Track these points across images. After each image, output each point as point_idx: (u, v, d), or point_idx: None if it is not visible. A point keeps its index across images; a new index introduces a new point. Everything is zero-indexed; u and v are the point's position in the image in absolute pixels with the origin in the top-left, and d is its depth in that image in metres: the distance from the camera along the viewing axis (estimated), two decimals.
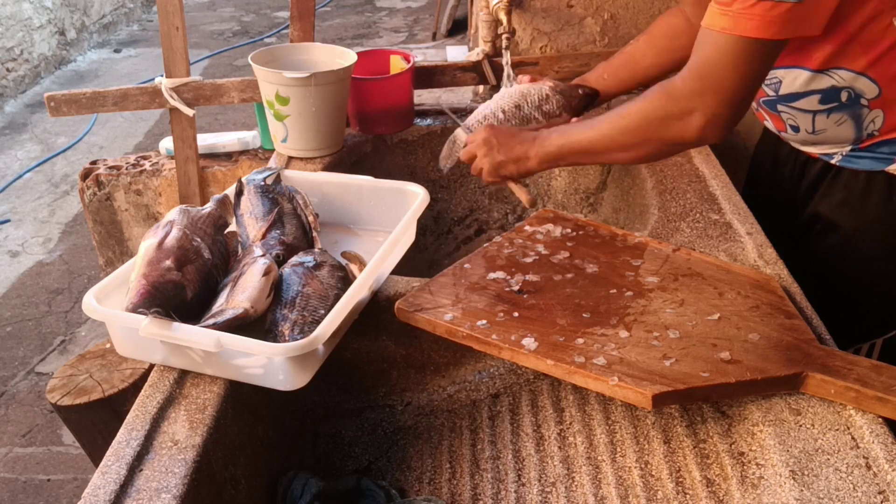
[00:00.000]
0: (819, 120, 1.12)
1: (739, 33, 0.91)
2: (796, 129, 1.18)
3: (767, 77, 1.13)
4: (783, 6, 0.89)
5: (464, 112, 1.70)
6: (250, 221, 1.17)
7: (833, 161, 1.17)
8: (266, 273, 1.00)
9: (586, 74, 1.39)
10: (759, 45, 0.92)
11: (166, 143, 1.90)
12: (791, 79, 1.10)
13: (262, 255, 1.04)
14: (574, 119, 1.31)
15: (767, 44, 0.92)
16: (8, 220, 3.52)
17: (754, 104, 1.24)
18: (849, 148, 1.14)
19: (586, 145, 1.10)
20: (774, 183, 1.34)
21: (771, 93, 1.16)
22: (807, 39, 0.97)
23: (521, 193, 1.25)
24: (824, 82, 1.07)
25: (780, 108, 1.17)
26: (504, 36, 1.57)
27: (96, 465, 0.85)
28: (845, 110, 1.09)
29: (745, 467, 0.86)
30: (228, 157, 1.92)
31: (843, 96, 1.07)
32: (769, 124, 1.26)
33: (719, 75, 0.95)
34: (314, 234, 1.18)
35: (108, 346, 1.86)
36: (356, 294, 1.00)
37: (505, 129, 1.23)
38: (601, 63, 1.40)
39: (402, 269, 1.18)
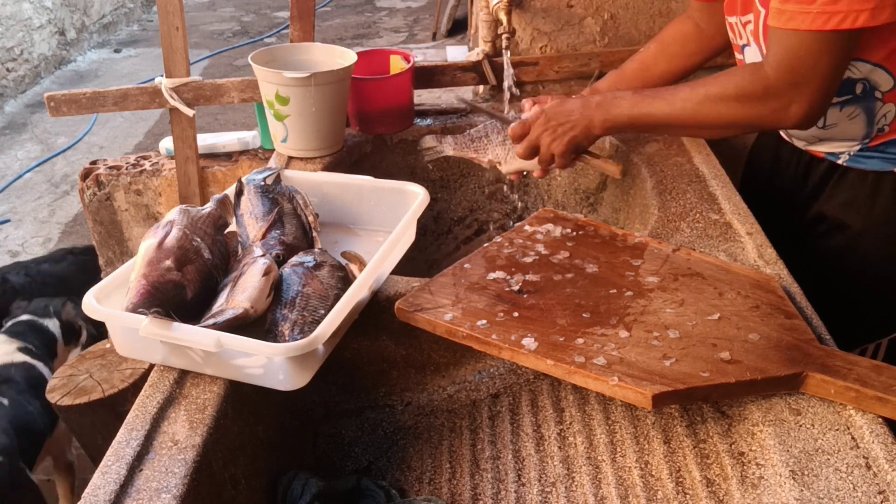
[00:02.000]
0: (831, 114, 1.12)
1: (827, 28, 0.93)
2: None
3: None
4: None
5: (464, 112, 1.70)
6: (250, 221, 1.17)
7: (840, 161, 1.17)
8: (266, 273, 1.00)
9: (598, 84, 1.38)
10: (845, 35, 0.94)
11: (166, 143, 1.90)
12: None
13: (262, 255, 1.04)
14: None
15: (852, 33, 0.94)
16: (8, 220, 3.52)
17: None
18: (857, 147, 1.14)
19: (663, 118, 1.11)
20: (774, 183, 1.34)
21: None
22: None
23: (607, 166, 1.22)
24: None
25: None
26: (504, 36, 1.57)
27: (96, 465, 0.85)
28: (859, 103, 1.09)
29: (745, 467, 0.86)
30: (228, 157, 1.92)
31: (858, 88, 1.07)
32: None
33: (811, 69, 0.98)
34: (314, 234, 1.18)
35: (108, 346, 1.86)
36: (356, 294, 1.00)
37: (559, 103, 1.19)
38: (612, 72, 1.39)
39: (402, 269, 1.18)
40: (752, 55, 1.16)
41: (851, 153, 1.15)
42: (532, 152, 1.21)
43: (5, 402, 1.81)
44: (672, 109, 1.09)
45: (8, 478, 1.68)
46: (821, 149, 1.20)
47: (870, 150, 1.13)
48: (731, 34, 1.22)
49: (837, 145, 1.16)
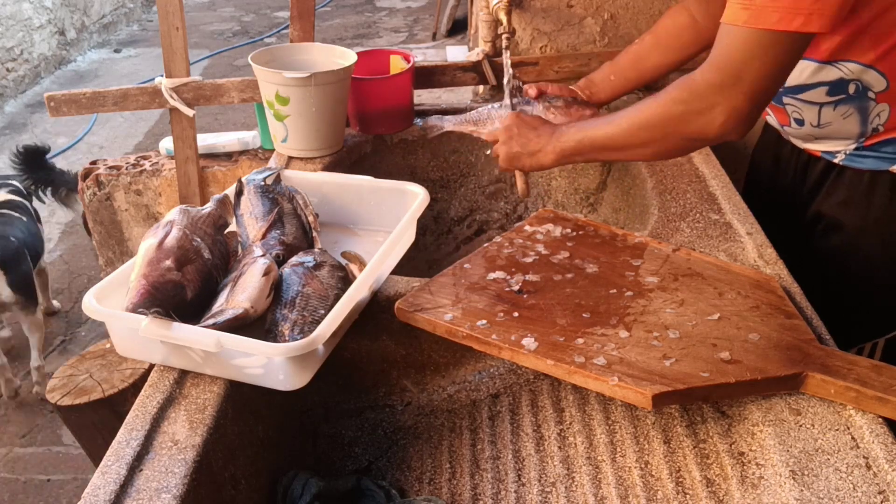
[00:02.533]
0: (825, 113, 1.12)
1: (762, 26, 0.89)
2: (801, 122, 1.17)
3: None
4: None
5: (464, 112, 1.70)
6: (250, 221, 1.17)
7: (836, 160, 1.17)
8: (266, 273, 1.00)
9: (592, 75, 1.38)
10: (783, 37, 0.90)
11: (166, 143, 1.90)
12: (798, 70, 1.09)
13: (262, 255, 1.04)
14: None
15: (791, 36, 0.90)
16: None
17: None
18: (853, 146, 1.14)
19: (604, 141, 1.08)
20: (775, 182, 1.34)
21: None
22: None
23: (518, 182, 1.25)
24: (832, 74, 1.07)
25: (785, 100, 1.16)
26: (504, 36, 1.57)
27: (96, 465, 0.85)
28: (852, 103, 1.09)
29: (745, 467, 0.86)
30: (228, 157, 1.92)
31: (851, 88, 1.07)
32: (772, 119, 1.25)
33: (741, 69, 0.93)
34: (314, 234, 1.18)
35: (108, 346, 1.86)
36: (356, 294, 1.00)
37: (528, 120, 1.20)
38: (607, 63, 1.38)
39: (402, 269, 1.18)
40: None
41: (847, 152, 1.15)
42: (494, 143, 1.26)
43: (22, 217, 2.47)
44: (609, 129, 1.07)
45: (24, 262, 2.34)
46: (817, 147, 1.20)
47: (865, 150, 1.13)
48: None
49: (833, 144, 1.16)
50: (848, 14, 0.94)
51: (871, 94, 1.06)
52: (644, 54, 1.34)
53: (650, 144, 1.05)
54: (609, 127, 1.08)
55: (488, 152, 1.31)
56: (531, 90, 1.30)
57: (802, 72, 1.09)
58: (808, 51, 1.05)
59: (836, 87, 1.07)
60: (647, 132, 1.04)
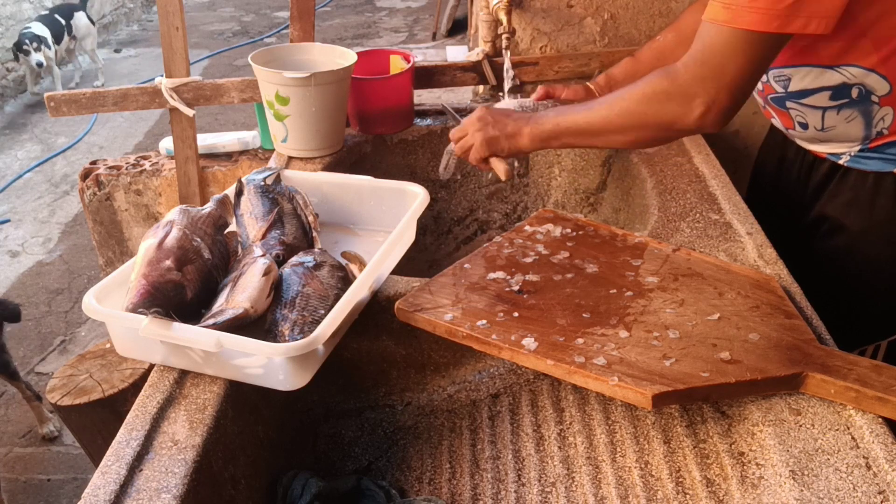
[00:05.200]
0: (829, 117, 1.12)
1: (742, 26, 0.92)
2: (805, 126, 1.17)
3: (776, 73, 1.13)
4: (787, 0, 0.89)
5: (464, 111, 1.70)
6: (250, 221, 1.17)
7: (841, 161, 1.17)
8: (266, 273, 1.00)
9: (612, 70, 1.37)
10: (761, 37, 0.93)
11: (166, 143, 1.90)
12: (801, 75, 1.10)
13: (262, 255, 1.04)
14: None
15: (769, 37, 0.93)
16: (8, 220, 3.52)
17: (761, 102, 1.24)
18: (857, 148, 1.14)
19: (583, 125, 1.09)
20: (780, 183, 1.34)
21: (780, 89, 1.15)
22: (816, 37, 0.97)
23: (498, 166, 1.22)
24: (835, 78, 1.07)
25: (789, 104, 1.17)
26: (504, 36, 1.57)
27: (96, 465, 0.85)
28: (855, 107, 1.09)
29: (745, 467, 0.86)
30: (228, 157, 1.92)
31: (854, 93, 1.07)
32: (776, 122, 1.25)
33: (721, 64, 0.96)
34: (314, 234, 1.18)
35: (108, 346, 1.86)
36: (356, 294, 1.00)
37: (501, 110, 1.21)
38: (627, 59, 1.38)
39: (402, 269, 1.18)
40: None
41: (852, 153, 1.15)
42: (460, 139, 1.22)
43: None
44: (588, 115, 1.08)
45: None
46: (822, 149, 1.20)
47: (870, 151, 1.13)
48: None
49: (838, 146, 1.16)
50: (848, 18, 0.94)
51: (874, 98, 1.06)
52: (668, 51, 1.33)
53: (628, 132, 1.07)
54: (588, 113, 1.09)
55: (450, 147, 1.29)
56: (539, 91, 1.29)
57: (805, 76, 1.09)
58: (812, 56, 1.06)
59: (839, 91, 1.07)
60: (625, 119, 1.05)
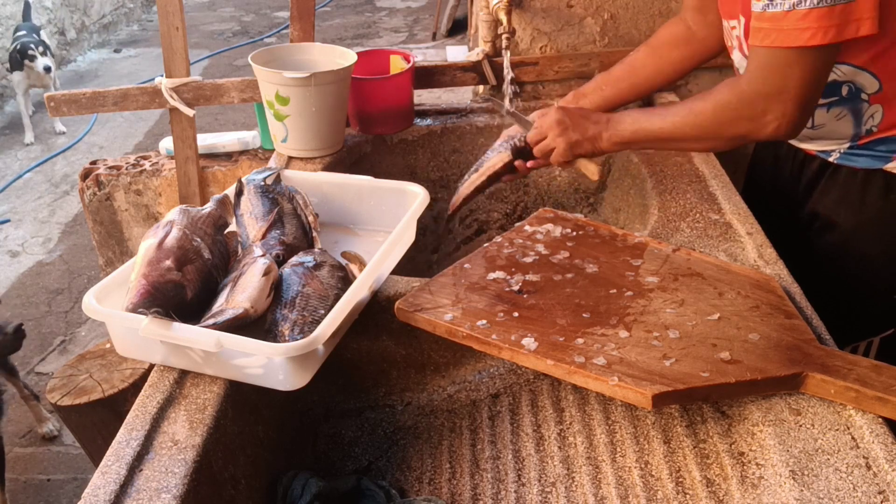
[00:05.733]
0: (819, 114, 1.12)
1: (797, 45, 0.94)
2: None
3: None
4: (833, 10, 0.91)
5: (464, 112, 1.70)
6: (250, 221, 1.17)
7: (831, 159, 1.18)
8: (266, 273, 1.00)
9: (585, 87, 1.38)
10: (818, 49, 0.95)
11: (166, 143, 1.90)
12: None
13: (262, 255, 1.04)
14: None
15: (826, 47, 0.95)
16: (8, 220, 3.52)
17: None
18: (847, 145, 1.14)
19: (659, 134, 1.14)
20: (774, 181, 1.34)
21: None
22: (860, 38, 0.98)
23: (588, 167, 1.26)
24: None
25: None
26: (504, 36, 1.57)
27: (96, 465, 0.85)
28: (845, 105, 1.09)
29: (745, 467, 0.86)
30: (228, 157, 1.92)
31: (844, 90, 1.08)
32: None
33: (784, 81, 0.99)
34: (314, 234, 1.18)
35: (108, 346, 1.86)
36: (356, 294, 1.00)
37: (576, 110, 1.24)
38: (599, 74, 1.39)
39: (402, 269, 1.18)
40: (737, 59, 1.18)
41: (842, 151, 1.16)
42: (539, 142, 1.24)
43: None
44: (664, 124, 1.13)
45: None
46: (812, 147, 1.21)
47: (859, 149, 1.13)
48: (725, 36, 1.23)
49: (827, 144, 1.17)
50: None
51: (863, 96, 1.07)
52: (639, 65, 1.35)
53: (702, 141, 1.13)
54: (663, 123, 1.13)
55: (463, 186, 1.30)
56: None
57: None
58: None
59: (830, 89, 1.08)
60: (700, 131, 1.10)
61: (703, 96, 1.09)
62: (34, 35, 4.42)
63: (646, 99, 1.62)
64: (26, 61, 4.26)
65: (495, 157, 1.30)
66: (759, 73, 1.00)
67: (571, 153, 1.21)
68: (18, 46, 4.30)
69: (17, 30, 4.45)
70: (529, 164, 1.28)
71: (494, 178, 1.32)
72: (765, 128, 1.03)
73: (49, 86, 4.33)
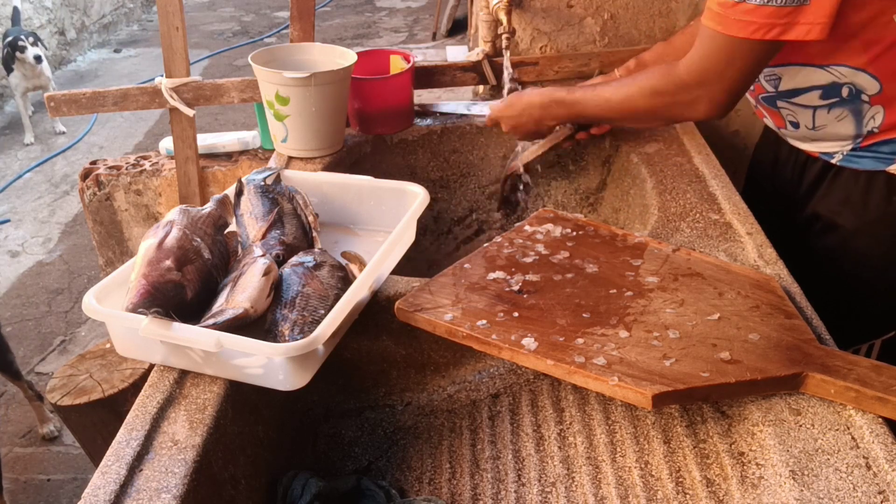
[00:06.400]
0: (819, 116, 1.12)
1: (741, 36, 0.98)
2: (796, 125, 1.18)
3: (767, 73, 1.14)
4: (781, 10, 0.93)
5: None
6: (250, 221, 1.17)
7: (833, 161, 1.17)
8: (266, 273, 1.00)
9: (644, 55, 1.45)
10: (759, 45, 0.98)
11: (166, 143, 1.90)
12: (791, 75, 1.11)
13: (262, 255, 1.04)
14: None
15: (768, 44, 0.98)
16: (8, 220, 3.52)
17: (753, 101, 1.25)
18: (849, 147, 1.14)
19: (604, 110, 1.25)
20: (774, 182, 1.34)
21: (770, 89, 1.16)
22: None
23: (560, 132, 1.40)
24: (825, 78, 1.07)
25: (779, 104, 1.17)
26: (504, 36, 1.57)
27: (96, 465, 0.85)
28: (846, 106, 1.09)
29: (745, 467, 0.86)
30: (228, 157, 1.92)
31: (844, 92, 1.08)
32: (768, 121, 1.26)
33: (721, 69, 1.04)
34: (314, 234, 1.18)
35: (108, 346, 1.86)
36: (356, 294, 1.00)
37: (517, 94, 1.40)
38: (660, 43, 1.45)
39: (402, 269, 1.18)
40: None
41: (844, 152, 1.15)
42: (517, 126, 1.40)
43: None
44: (608, 103, 1.23)
45: None
46: (814, 148, 1.20)
47: (862, 150, 1.13)
48: None
49: (829, 145, 1.17)
50: (839, 19, 0.96)
51: (864, 97, 1.07)
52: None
53: (640, 121, 1.30)
54: (606, 100, 1.24)
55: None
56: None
57: (795, 76, 1.10)
58: (801, 55, 1.07)
59: (829, 90, 1.08)
60: (634, 114, 1.21)
61: (638, 79, 1.17)
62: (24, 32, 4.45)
63: None
64: (17, 53, 4.23)
65: (559, 129, 1.42)
66: (700, 61, 1.05)
67: (518, 134, 1.39)
68: (9, 40, 4.29)
69: (6, 35, 4.46)
70: (593, 130, 1.41)
71: (556, 148, 1.46)
72: (695, 111, 1.11)
73: (47, 86, 4.31)
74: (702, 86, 1.06)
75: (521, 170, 1.51)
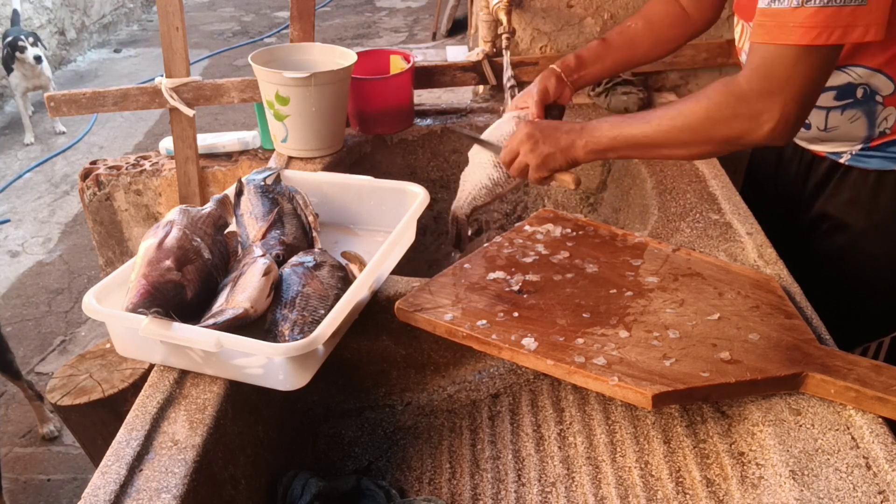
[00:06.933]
0: (833, 117, 1.12)
1: (802, 43, 0.91)
2: (808, 126, 1.17)
3: None
4: (842, 10, 0.88)
5: (464, 112, 1.70)
6: (250, 221, 1.17)
7: (842, 160, 1.17)
8: (266, 273, 1.00)
9: (584, 53, 1.33)
10: (822, 49, 0.91)
11: (166, 143, 1.90)
12: None
13: (262, 255, 1.04)
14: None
15: (830, 48, 0.92)
16: (8, 220, 3.52)
17: None
18: (859, 146, 1.14)
19: (642, 139, 1.07)
20: (777, 182, 1.34)
21: None
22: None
23: (564, 178, 1.18)
24: (840, 78, 1.07)
25: None
26: (504, 36, 1.57)
27: (96, 465, 0.85)
28: (860, 107, 1.09)
29: (745, 467, 0.86)
30: (228, 157, 1.92)
31: (859, 93, 1.07)
32: None
33: (786, 78, 0.94)
34: (314, 234, 1.18)
35: (108, 346, 1.86)
36: (356, 294, 1.00)
37: (546, 122, 1.18)
38: (595, 41, 1.34)
39: (402, 269, 1.18)
40: (743, 59, 1.17)
41: (853, 152, 1.15)
42: (511, 160, 1.19)
43: None
44: (647, 129, 1.06)
45: None
46: (822, 148, 1.20)
47: (871, 150, 1.13)
48: (736, 37, 1.23)
49: (839, 146, 1.16)
50: None
51: (878, 98, 1.06)
52: (638, 41, 1.31)
53: (691, 146, 1.05)
54: (647, 126, 1.06)
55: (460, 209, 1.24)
56: (534, 109, 1.26)
57: None
58: None
59: (844, 91, 1.07)
60: (687, 134, 1.03)
61: (692, 97, 1.03)
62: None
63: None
64: (17, 53, 4.22)
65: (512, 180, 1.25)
66: (760, 70, 0.95)
67: (546, 168, 1.15)
68: (9, 40, 4.27)
69: (5, 36, 4.44)
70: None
71: (501, 197, 1.28)
72: (760, 128, 0.97)
73: (47, 86, 4.31)
74: (766, 97, 0.94)
75: (463, 218, 1.27)
